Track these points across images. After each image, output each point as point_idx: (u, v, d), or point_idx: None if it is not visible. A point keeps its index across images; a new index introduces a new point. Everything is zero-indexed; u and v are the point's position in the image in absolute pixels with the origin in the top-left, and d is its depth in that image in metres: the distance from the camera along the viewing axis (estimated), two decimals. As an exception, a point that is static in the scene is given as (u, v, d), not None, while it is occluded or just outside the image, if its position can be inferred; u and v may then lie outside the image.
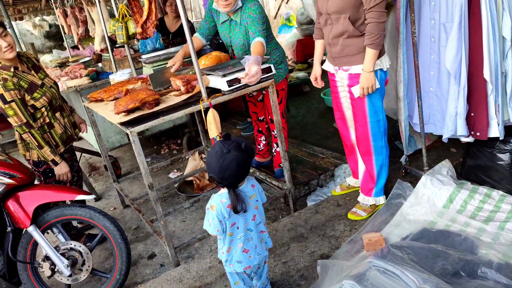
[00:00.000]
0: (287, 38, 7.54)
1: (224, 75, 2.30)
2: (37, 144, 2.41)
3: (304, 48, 7.03)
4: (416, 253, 1.81)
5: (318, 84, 2.57)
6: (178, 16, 4.21)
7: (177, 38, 4.29)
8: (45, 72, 2.62)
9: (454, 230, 2.11)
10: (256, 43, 2.46)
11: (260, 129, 3.19)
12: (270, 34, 2.74)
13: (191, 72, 2.73)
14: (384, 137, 2.39)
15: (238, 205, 1.62)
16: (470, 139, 2.39)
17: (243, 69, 2.35)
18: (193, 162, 3.74)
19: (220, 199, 1.66)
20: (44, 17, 9.83)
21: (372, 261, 1.71)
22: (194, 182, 3.51)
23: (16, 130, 2.43)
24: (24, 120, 2.37)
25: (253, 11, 2.53)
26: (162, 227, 2.34)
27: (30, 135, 2.39)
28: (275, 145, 3.13)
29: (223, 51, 2.99)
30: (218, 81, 2.35)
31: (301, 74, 5.70)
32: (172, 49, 3.46)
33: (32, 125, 2.41)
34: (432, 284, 1.54)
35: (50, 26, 10.94)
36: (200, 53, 3.36)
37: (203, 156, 3.88)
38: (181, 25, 4.14)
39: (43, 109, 2.48)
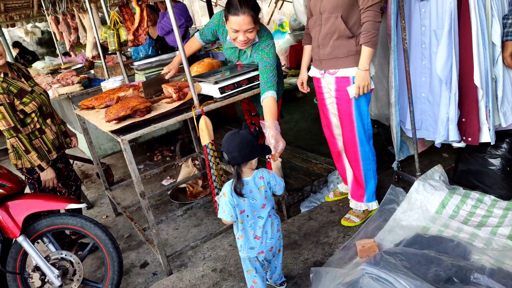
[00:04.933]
0: (280, 44, 7.57)
1: (216, 82, 2.29)
2: (24, 149, 2.40)
3: (297, 54, 7.05)
4: (409, 260, 1.81)
5: (304, 89, 2.59)
6: (154, 24, 4.26)
7: (159, 42, 4.31)
8: (34, 82, 2.64)
9: (447, 236, 2.11)
10: (269, 101, 2.26)
11: (253, 121, 3.17)
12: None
13: (183, 79, 2.72)
14: (370, 141, 2.40)
15: (237, 186, 1.74)
16: (462, 144, 2.40)
17: (236, 76, 2.35)
18: (186, 169, 3.73)
19: (230, 185, 1.77)
20: (36, 24, 9.79)
21: (365, 268, 1.71)
22: (187, 189, 3.49)
23: (5, 135, 2.41)
24: (12, 124, 2.35)
25: (267, 55, 2.34)
26: (154, 236, 2.31)
27: (17, 139, 2.38)
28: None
29: None
30: (210, 88, 2.34)
31: (294, 80, 5.71)
32: (164, 56, 3.45)
33: (20, 130, 2.40)
34: (425, 291, 1.53)
35: (43, 33, 10.90)
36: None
37: (196, 162, 3.87)
38: None
39: (33, 115, 2.48)
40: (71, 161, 3.25)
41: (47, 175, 2.52)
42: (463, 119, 2.32)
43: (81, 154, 4.46)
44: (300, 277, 2.14)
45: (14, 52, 8.16)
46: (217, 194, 2.34)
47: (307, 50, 2.50)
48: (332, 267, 2.06)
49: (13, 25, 8.67)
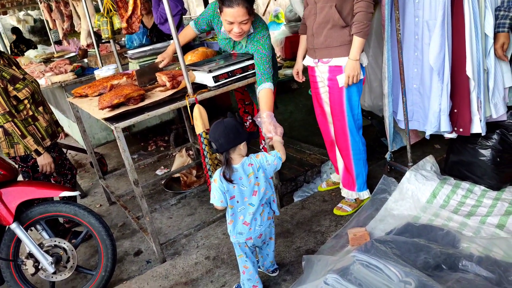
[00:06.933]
0: (275, 35, 7.53)
1: (210, 71, 2.29)
2: (20, 133, 2.39)
3: (293, 45, 7.03)
4: (399, 247, 1.84)
5: (299, 78, 2.61)
6: (149, 13, 4.19)
7: (154, 32, 4.26)
8: (24, 71, 2.64)
9: (437, 225, 2.15)
10: (266, 93, 2.28)
11: (246, 110, 3.17)
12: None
13: (177, 68, 2.71)
14: (359, 131, 2.42)
15: (226, 172, 1.77)
16: (453, 135, 2.43)
17: (231, 65, 2.34)
18: (180, 159, 3.73)
19: (220, 172, 1.81)
20: (29, 11, 9.63)
21: (356, 255, 1.73)
22: (181, 178, 3.50)
23: None
24: (7, 109, 2.35)
25: (262, 46, 2.34)
26: (147, 224, 2.32)
27: (13, 124, 2.37)
28: (263, 142, 3.13)
29: None
30: (204, 77, 2.34)
31: (289, 71, 5.70)
32: (158, 45, 3.43)
33: (15, 115, 2.40)
34: (414, 277, 1.56)
35: (35, 21, 10.72)
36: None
37: (190, 152, 3.87)
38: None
39: (26, 101, 2.48)
40: (64, 150, 3.24)
41: (44, 160, 2.52)
42: (455, 110, 2.35)
43: (74, 144, 4.44)
44: (292, 265, 2.17)
45: (7, 41, 8.06)
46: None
47: (303, 39, 2.50)
48: (324, 255, 2.09)
49: (4, 13, 8.53)
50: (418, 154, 2.93)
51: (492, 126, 2.36)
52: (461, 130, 2.36)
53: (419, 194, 2.40)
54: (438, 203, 2.35)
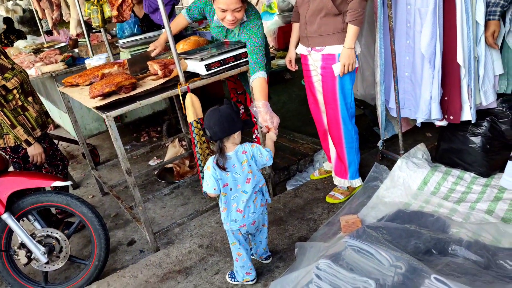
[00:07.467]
0: (268, 25, 7.49)
1: (202, 59, 2.28)
2: (10, 123, 2.37)
3: (286, 35, 6.98)
4: (390, 233, 1.86)
5: (292, 67, 2.61)
6: (140, 2, 4.13)
7: (145, 21, 4.20)
8: (13, 61, 2.60)
9: (427, 211, 2.18)
10: (260, 81, 2.28)
11: (239, 99, 3.17)
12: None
13: (169, 57, 2.69)
14: (352, 120, 2.43)
15: (219, 160, 1.78)
16: (444, 123, 2.45)
17: (223, 53, 2.33)
18: (173, 149, 3.72)
19: (213, 160, 1.82)
20: (17, 1, 9.48)
21: (348, 241, 1.75)
22: (174, 169, 3.49)
23: None
24: None
25: (255, 35, 2.34)
26: (141, 213, 2.32)
27: (2, 114, 2.35)
28: (256, 131, 3.13)
29: None
30: (196, 65, 2.33)
31: (282, 62, 5.68)
32: (150, 34, 3.39)
33: (4, 104, 2.37)
34: (404, 261, 1.59)
35: (24, 11, 10.54)
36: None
37: (183, 143, 3.86)
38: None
39: (15, 91, 2.44)
40: (56, 141, 3.22)
41: (35, 150, 2.49)
42: (446, 98, 2.37)
43: (66, 135, 4.40)
44: (285, 252, 2.19)
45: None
46: (202, 171, 2.36)
47: (295, 28, 2.50)
48: (316, 242, 2.11)
49: (-8, 3, 8.39)
50: (409, 142, 2.95)
51: (482, 113, 2.38)
52: (451, 117, 2.38)
53: (410, 181, 2.43)
54: (429, 190, 2.38)
